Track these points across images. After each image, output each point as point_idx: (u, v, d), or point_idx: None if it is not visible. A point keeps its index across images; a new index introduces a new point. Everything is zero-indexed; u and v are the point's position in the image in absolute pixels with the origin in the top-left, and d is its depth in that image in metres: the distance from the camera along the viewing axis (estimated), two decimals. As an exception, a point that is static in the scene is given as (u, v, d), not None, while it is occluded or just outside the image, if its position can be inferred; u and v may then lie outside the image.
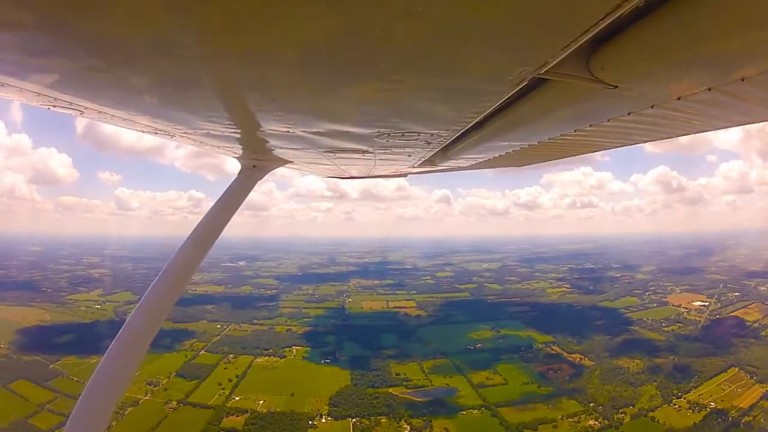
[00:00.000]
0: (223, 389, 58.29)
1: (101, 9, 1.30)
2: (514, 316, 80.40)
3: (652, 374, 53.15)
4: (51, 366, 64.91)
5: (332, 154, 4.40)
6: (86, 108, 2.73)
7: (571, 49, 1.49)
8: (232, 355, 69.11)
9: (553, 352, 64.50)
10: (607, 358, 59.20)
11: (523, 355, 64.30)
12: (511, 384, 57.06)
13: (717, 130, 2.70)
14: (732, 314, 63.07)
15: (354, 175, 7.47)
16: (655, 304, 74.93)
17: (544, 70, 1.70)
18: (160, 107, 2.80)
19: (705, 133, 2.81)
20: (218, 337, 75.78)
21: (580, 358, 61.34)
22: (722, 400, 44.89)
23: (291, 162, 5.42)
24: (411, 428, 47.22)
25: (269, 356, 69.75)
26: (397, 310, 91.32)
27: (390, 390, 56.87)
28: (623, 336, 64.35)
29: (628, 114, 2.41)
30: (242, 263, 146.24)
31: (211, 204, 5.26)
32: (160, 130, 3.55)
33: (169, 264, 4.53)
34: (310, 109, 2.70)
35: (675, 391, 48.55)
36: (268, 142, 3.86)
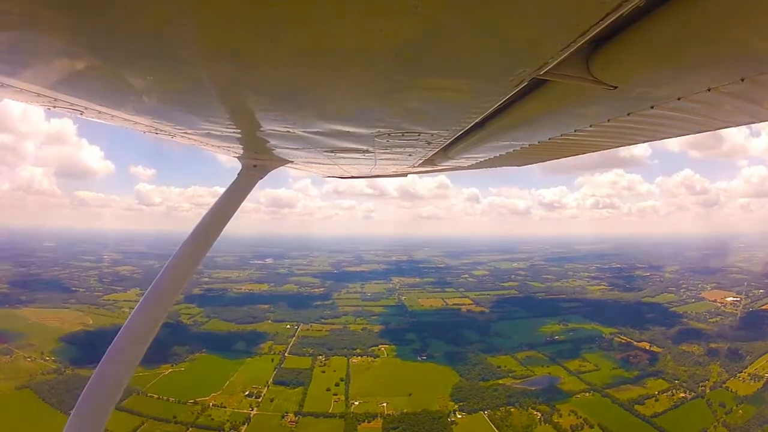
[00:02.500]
0: (335, 395, 58.90)
1: (101, 9, 1.37)
2: (571, 311, 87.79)
3: (711, 356, 63.56)
4: None
5: (333, 154, 4.56)
6: (86, 108, 2.87)
7: (570, 50, 1.55)
8: (322, 357, 70.19)
9: (623, 341, 72.78)
10: (671, 345, 69.08)
11: (599, 345, 72.71)
12: (603, 370, 68.04)
13: (717, 130, 2.78)
14: (762, 308, 74.92)
15: (354, 174, 7.65)
16: (693, 300, 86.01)
17: (544, 70, 1.77)
18: (161, 107, 2.94)
19: (705, 133, 2.86)
20: (294, 338, 77.53)
21: (649, 346, 73.64)
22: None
23: (291, 162, 5.63)
24: (541, 415, 52.91)
25: (360, 356, 71.50)
26: (456, 307, 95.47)
27: (500, 382, 62.07)
28: (677, 327, 73.75)
29: (628, 114, 2.51)
30: (269, 260, 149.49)
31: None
32: (161, 131, 3.71)
33: (170, 263, 4.73)
34: (311, 109, 2.80)
35: (734, 369, 59.56)
36: (268, 142, 4.04)
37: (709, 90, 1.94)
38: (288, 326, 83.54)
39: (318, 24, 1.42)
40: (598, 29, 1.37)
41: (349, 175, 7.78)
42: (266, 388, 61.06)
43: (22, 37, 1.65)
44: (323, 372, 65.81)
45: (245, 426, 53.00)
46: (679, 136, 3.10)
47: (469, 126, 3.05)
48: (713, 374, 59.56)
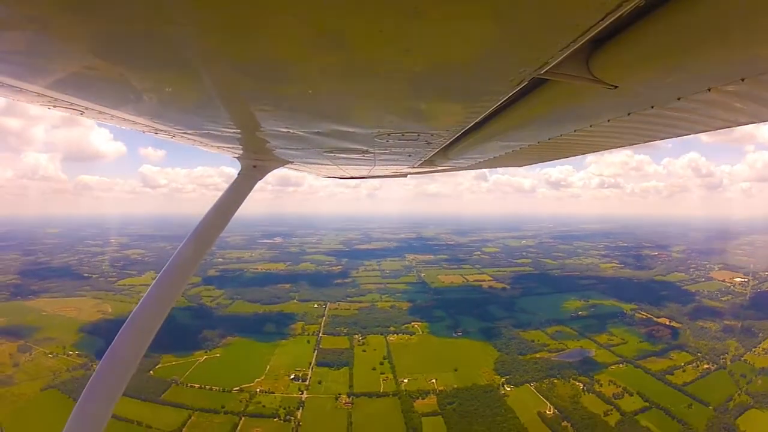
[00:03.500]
0: (382, 373, 59.66)
1: (101, 9, 1.38)
2: (588, 288, 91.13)
3: (726, 333, 68.07)
4: (151, 372, 58.26)
5: (332, 155, 4.64)
6: (86, 108, 2.89)
7: (571, 50, 1.56)
8: (358, 336, 70.54)
9: (643, 317, 75.95)
10: (688, 321, 72.80)
11: (621, 320, 76.16)
12: (630, 343, 72.69)
13: (717, 130, 2.81)
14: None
15: (354, 175, 7.78)
16: (703, 279, 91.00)
17: (544, 70, 1.78)
18: (161, 108, 2.96)
19: (705, 133, 2.87)
20: (325, 318, 77.94)
21: (668, 321, 79.25)
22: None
23: (291, 162, 5.73)
24: (583, 385, 56.20)
25: (396, 334, 72.27)
26: (477, 283, 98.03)
27: (536, 355, 64.73)
28: (692, 305, 77.70)
29: (628, 114, 2.56)
30: (278, 239, 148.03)
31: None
32: (160, 131, 3.74)
33: (170, 263, 4.77)
34: (310, 110, 2.81)
35: (750, 344, 64.17)
36: (268, 142, 4.11)
37: (709, 90, 1.98)
38: (315, 306, 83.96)
39: (318, 24, 1.44)
40: (598, 29, 1.40)
41: (349, 176, 7.89)
42: (310, 370, 60.76)
43: (22, 37, 1.68)
44: (364, 351, 66.37)
45: (300, 411, 52.23)
46: (679, 136, 3.13)
47: (469, 126, 3.08)
48: (731, 348, 65.71)
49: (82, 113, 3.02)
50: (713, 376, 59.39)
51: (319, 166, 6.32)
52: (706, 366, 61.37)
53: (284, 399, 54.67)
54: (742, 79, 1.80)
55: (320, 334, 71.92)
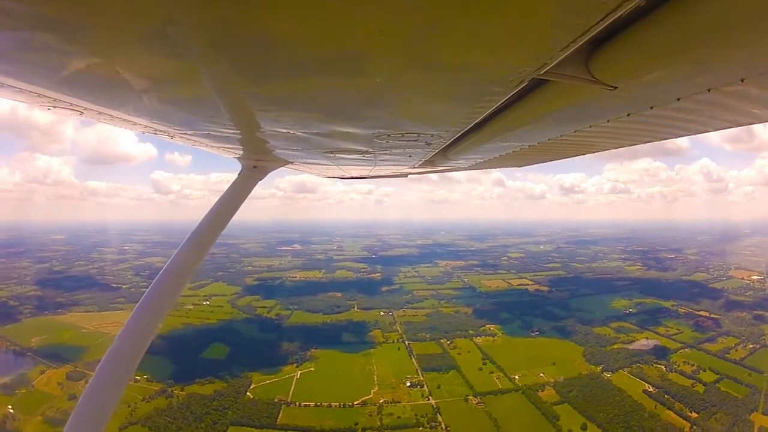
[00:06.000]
0: (491, 372, 63.71)
1: (101, 9, 1.42)
2: (625, 288, 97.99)
3: (758, 320, 77.45)
4: (249, 395, 55.88)
5: (332, 155, 4.74)
6: (86, 109, 3.00)
7: (570, 50, 1.60)
8: (444, 340, 74.43)
9: (685, 311, 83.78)
10: (724, 313, 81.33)
11: (667, 315, 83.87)
12: (684, 333, 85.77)
13: (717, 131, 2.89)
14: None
15: (354, 175, 8.15)
16: (724, 278, 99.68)
17: (544, 71, 1.83)
18: (160, 108, 3.06)
19: (705, 133, 2.96)
20: (397, 325, 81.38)
21: (708, 314, 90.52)
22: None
23: (291, 162, 5.91)
24: (665, 366, 65.39)
25: (479, 336, 76.98)
26: (521, 287, 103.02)
27: (614, 347, 71.74)
28: (721, 300, 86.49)
29: (628, 115, 2.64)
30: (297, 246, 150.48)
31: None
32: (160, 131, 3.88)
33: (170, 263, 4.95)
34: (310, 110, 2.91)
35: None
36: (268, 142, 4.24)
37: (709, 90, 2.04)
38: (381, 313, 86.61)
39: (318, 24, 1.49)
40: (598, 29, 1.43)
41: (349, 176, 8.14)
42: (421, 376, 62.16)
43: (22, 37, 1.73)
44: (459, 354, 69.40)
45: (438, 416, 53.67)
46: (679, 136, 3.25)
47: (469, 126, 3.17)
48: (766, 333, 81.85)
49: (81, 113, 3.13)
50: (760, 352, 73.31)
51: (320, 166, 6.50)
52: (751, 345, 75.39)
53: (414, 407, 55.49)
54: (742, 80, 1.87)
55: (406, 342, 74.68)
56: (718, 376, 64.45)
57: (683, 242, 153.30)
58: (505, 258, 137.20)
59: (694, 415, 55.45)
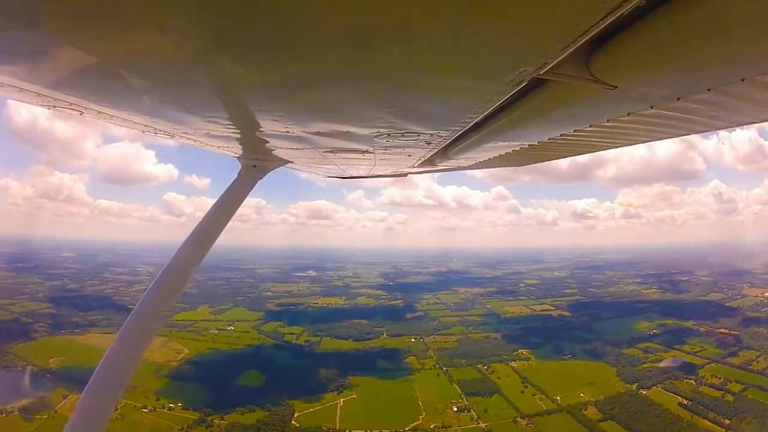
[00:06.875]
0: (533, 395, 65.15)
1: (101, 9, 1.44)
2: (645, 311, 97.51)
3: None
4: (295, 423, 55.82)
5: (332, 154, 4.80)
6: (86, 108, 3.05)
7: (570, 50, 1.62)
8: (480, 365, 75.46)
9: (706, 329, 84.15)
10: (743, 329, 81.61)
11: (689, 334, 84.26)
12: (707, 349, 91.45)
13: (717, 131, 2.93)
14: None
15: (354, 175, 8.19)
16: (739, 297, 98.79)
17: (544, 70, 1.85)
18: (160, 107, 3.11)
19: (705, 133, 2.91)
20: (430, 351, 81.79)
21: (728, 331, 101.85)
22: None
23: (291, 162, 5.96)
24: (695, 381, 67.08)
25: (513, 360, 78.39)
26: (544, 313, 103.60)
27: (645, 366, 72.86)
28: (739, 317, 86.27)
29: (628, 114, 2.65)
30: (312, 272, 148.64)
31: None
32: (160, 130, 3.96)
33: (171, 262, 5.00)
34: (310, 109, 2.96)
35: None
36: (268, 142, 4.27)
37: (709, 90, 2.04)
38: (413, 340, 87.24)
39: (317, 23, 1.51)
40: (598, 29, 1.45)
41: (349, 175, 8.34)
42: (465, 401, 62.93)
43: (22, 37, 1.77)
44: (498, 378, 70.64)
45: None
46: (679, 136, 3.28)
47: (469, 126, 3.22)
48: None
49: (81, 113, 3.20)
50: (780, 363, 78.31)
51: (320, 165, 6.61)
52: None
53: (466, 431, 57.72)
54: (742, 79, 1.87)
55: (443, 367, 75.74)
56: (744, 385, 70.44)
57: (694, 264, 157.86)
58: (523, 284, 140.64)
59: (728, 421, 60.12)
